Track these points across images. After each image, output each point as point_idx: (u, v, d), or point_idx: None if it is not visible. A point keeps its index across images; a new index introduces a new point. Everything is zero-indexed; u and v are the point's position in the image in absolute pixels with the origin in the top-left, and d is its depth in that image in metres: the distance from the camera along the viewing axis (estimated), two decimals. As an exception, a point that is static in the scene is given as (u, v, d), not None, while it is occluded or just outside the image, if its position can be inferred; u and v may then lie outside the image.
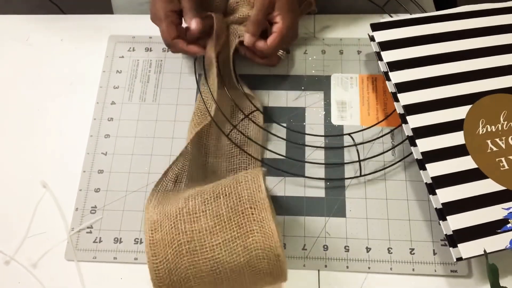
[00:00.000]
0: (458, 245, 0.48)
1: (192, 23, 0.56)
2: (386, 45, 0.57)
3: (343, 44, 0.64)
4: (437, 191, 0.50)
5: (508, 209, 0.49)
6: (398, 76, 0.55)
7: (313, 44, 0.65)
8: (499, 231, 0.48)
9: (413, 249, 0.53)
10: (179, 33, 0.57)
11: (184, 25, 0.58)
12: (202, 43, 0.58)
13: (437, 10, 0.70)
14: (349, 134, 0.58)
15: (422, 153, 0.51)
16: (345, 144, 0.58)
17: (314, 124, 0.60)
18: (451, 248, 0.49)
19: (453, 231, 0.48)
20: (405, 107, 0.53)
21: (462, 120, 0.53)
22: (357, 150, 0.57)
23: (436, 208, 0.50)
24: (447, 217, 0.49)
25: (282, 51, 0.61)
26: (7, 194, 0.58)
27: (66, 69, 0.65)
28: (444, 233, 0.49)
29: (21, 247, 0.55)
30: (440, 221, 0.50)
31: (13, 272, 0.54)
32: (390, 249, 0.53)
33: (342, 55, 0.64)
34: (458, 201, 0.49)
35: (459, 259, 0.48)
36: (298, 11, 0.60)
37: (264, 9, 0.55)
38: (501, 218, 0.49)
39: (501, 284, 0.46)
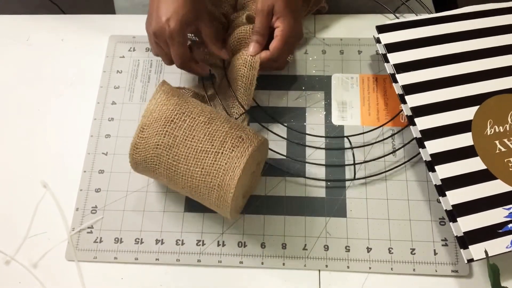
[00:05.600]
0: (469, 246, 0.48)
1: (222, 54, 0.57)
2: (393, 47, 0.57)
3: (344, 44, 0.64)
4: (447, 193, 0.50)
5: (509, 209, 0.49)
6: (405, 78, 0.55)
7: (314, 44, 0.64)
8: (500, 231, 0.48)
9: (414, 249, 0.53)
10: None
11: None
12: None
13: (436, 11, 0.70)
14: (347, 136, 0.58)
15: (431, 155, 0.51)
16: (345, 145, 0.58)
17: (314, 124, 0.60)
18: (461, 250, 0.49)
19: (464, 233, 0.48)
20: (413, 109, 0.53)
21: (470, 121, 0.53)
22: (353, 154, 0.57)
23: (446, 210, 0.50)
24: (458, 219, 0.49)
25: (290, 55, 0.60)
26: (7, 194, 0.58)
27: (66, 69, 0.65)
28: (455, 234, 0.49)
29: (21, 247, 0.55)
30: (451, 223, 0.50)
31: (13, 272, 0.54)
32: (390, 249, 0.53)
33: (343, 55, 0.64)
34: (468, 203, 0.49)
35: (470, 260, 0.48)
36: (300, 10, 0.60)
37: (265, 15, 0.55)
38: (504, 217, 0.49)
39: (502, 284, 0.46)
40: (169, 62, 0.57)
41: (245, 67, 0.56)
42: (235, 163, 0.47)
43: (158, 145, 0.48)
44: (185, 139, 0.48)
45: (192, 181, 0.48)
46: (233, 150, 0.47)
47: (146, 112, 0.49)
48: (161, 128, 0.48)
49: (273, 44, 0.56)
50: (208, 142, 0.48)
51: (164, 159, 0.49)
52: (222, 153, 0.47)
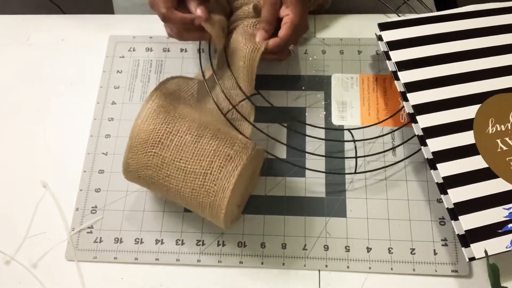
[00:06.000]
0: (471, 245, 0.48)
1: (198, 11, 0.53)
2: (395, 45, 0.57)
3: (343, 44, 0.64)
4: (449, 191, 0.50)
5: (508, 209, 0.49)
6: (407, 76, 0.55)
7: (314, 44, 0.65)
8: (500, 231, 0.48)
9: (413, 249, 0.53)
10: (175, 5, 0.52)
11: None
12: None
13: (437, 10, 0.70)
14: (348, 129, 0.58)
15: (433, 153, 0.51)
16: (346, 145, 0.58)
17: (314, 124, 0.60)
18: (463, 248, 0.49)
19: (465, 231, 0.48)
20: (415, 106, 0.53)
21: (471, 120, 0.53)
22: (355, 146, 0.57)
23: (447, 208, 0.50)
24: (459, 217, 0.49)
25: (292, 46, 0.60)
26: (7, 194, 0.58)
27: (66, 69, 0.65)
28: (456, 233, 0.49)
29: (21, 247, 0.55)
30: (452, 221, 0.50)
31: (13, 272, 0.54)
32: (390, 249, 0.53)
33: (343, 55, 0.64)
34: (470, 201, 0.49)
35: (472, 259, 0.48)
36: (307, 2, 0.60)
37: (273, 4, 0.55)
38: (504, 217, 0.49)
39: (502, 284, 0.46)
40: (161, 12, 0.52)
41: (248, 51, 0.54)
42: (224, 184, 0.46)
43: (148, 166, 0.48)
44: (174, 160, 0.47)
45: (184, 199, 0.48)
46: (221, 171, 0.46)
47: (133, 133, 0.48)
48: (149, 150, 0.48)
49: (283, 32, 0.55)
50: (196, 163, 0.47)
51: (155, 179, 0.48)
52: (210, 173, 0.46)
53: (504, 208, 0.49)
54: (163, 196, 0.51)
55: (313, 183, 0.57)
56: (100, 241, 0.55)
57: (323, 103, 0.61)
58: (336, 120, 0.60)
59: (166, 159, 0.47)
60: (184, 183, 0.47)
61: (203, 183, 0.47)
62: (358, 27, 0.65)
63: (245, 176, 0.49)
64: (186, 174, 0.47)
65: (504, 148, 0.52)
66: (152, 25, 0.58)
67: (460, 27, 0.58)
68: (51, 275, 0.54)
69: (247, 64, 0.55)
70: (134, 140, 0.48)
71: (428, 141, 0.52)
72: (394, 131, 0.58)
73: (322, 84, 0.62)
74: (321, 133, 0.59)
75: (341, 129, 0.59)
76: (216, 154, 0.47)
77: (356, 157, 0.56)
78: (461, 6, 0.60)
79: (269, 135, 0.57)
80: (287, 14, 0.55)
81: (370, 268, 0.53)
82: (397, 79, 0.56)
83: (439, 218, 0.54)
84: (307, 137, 0.59)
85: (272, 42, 0.55)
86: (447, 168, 0.50)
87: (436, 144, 0.52)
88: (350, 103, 0.61)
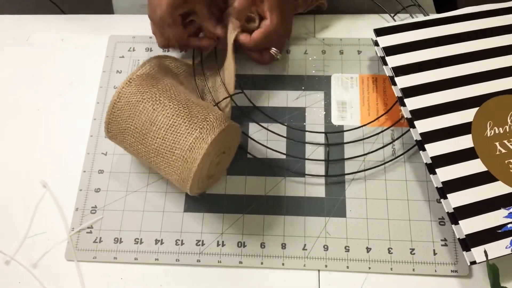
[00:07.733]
0: (472, 249, 0.48)
1: (217, 30, 0.57)
2: (391, 50, 0.57)
3: (343, 44, 0.64)
4: (448, 195, 0.50)
5: (508, 209, 0.49)
6: (404, 81, 0.55)
7: (313, 44, 0.65)
8: (500, 231, 0.48)
9: (413, 249, 0.53)
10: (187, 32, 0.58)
11: None
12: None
13: (437, 11, 0.70)
14: (324, 132, 0.58)
15: (432, 158, 0.51)
16: (346, 143, 0.58)
17: (314, 124, 0.60)
18: (464, 252, 0.49)
19: (466, 235, 0.48)
20: (412, 112, 0.53)
21: (469, 123, 0.53)
22: (328, 152, 0.57)
23: (447, 212, 0.50)
24: (460, 222, 0.49)
25: (275, 50, 0.60)
26: (7, 194, 0.58)
27: (66, 69, 0.65)
28: (457, 237, 0.49)
29: (21, 247, 0.55)
30: (452, 225, 0.50)
31: (13, 272, 0.54)
32: (390, 249, 0.53)
33: (342, 55, 0.64)
34: (470, 205, 0.49)
35: (473, 263, 0.48)
36: (291, 9, 0.60)
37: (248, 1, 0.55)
38: (503, 217, 0.49)
39: (502, 285, 0.46)
40: (163, 43, 0.59)
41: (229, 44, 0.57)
42: (195, 155, 0.47)
43: (143, 99, 0.50)
44: (152, 124, 0.50)
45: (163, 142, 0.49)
46: (193, 142, 0.48)
47: (136, 69, 0.52)
48: (148, 88, 0.51)
49: (255, 35, 0.57)
50: (171, 133, 0.49)
51: (144, 114, 0.50)
52: (183, 141, 0.48)
53: (504, 208, 0.49)
54: (138, 136, 0.52)
55: (313, 183, 0.57)
56: (100, 241, 0.55)
57: (322, 103, 0.61)
58: (336, 121, 0.60)
59: (144, 123, 0.50)
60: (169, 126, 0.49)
61: (187, 128, 0.48)
62: (358, 27, 0.65)
63: (219, 144, 0.50)
64: (173, 117, 0.49)
65: (503, 150, 0.52)
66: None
67: (456, 30, 0.58)
68: (51, 275, 0.54)
69: (228, 54, 0.56)
70: (136, 73, 0.52)
71: (426, 146, 0.52)
72: (390, 127, 0.58)
73: (321, 84, 0.62)
74: (317, 137, 0.59)
75: (319, 132, 0.59)
76: (190, 124, 0.49)
77: (327, 160, 0.57)
78: (461, 7, 0.59)
79: (269, 147, 0.57)
80: (266, 18, 0.56)
81: (369, 268, 0.53)
82: (394, 84, 0.56)
83: (439, 218, 0.54)
84: (306, 140, 0.59)
85: (244, 37, 0.57)
86: (446, 173, 0.50)
87: (435, 149, 0.51)
88: (350, 103, 0.61)
